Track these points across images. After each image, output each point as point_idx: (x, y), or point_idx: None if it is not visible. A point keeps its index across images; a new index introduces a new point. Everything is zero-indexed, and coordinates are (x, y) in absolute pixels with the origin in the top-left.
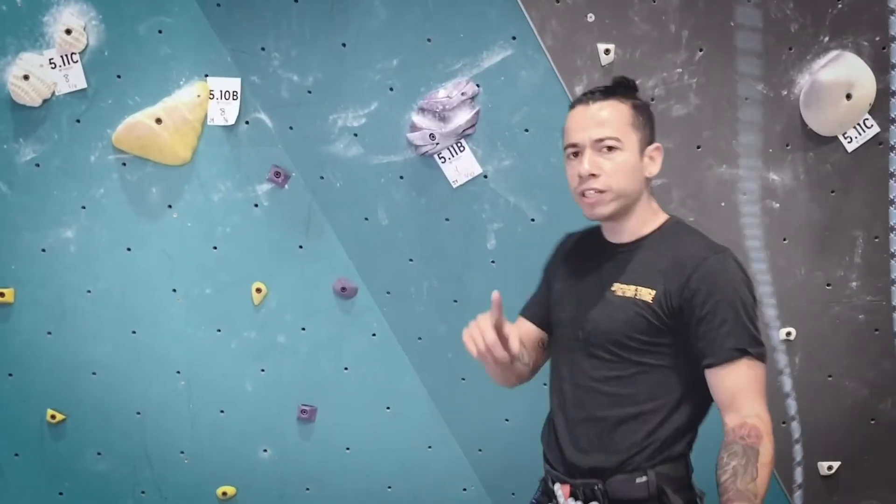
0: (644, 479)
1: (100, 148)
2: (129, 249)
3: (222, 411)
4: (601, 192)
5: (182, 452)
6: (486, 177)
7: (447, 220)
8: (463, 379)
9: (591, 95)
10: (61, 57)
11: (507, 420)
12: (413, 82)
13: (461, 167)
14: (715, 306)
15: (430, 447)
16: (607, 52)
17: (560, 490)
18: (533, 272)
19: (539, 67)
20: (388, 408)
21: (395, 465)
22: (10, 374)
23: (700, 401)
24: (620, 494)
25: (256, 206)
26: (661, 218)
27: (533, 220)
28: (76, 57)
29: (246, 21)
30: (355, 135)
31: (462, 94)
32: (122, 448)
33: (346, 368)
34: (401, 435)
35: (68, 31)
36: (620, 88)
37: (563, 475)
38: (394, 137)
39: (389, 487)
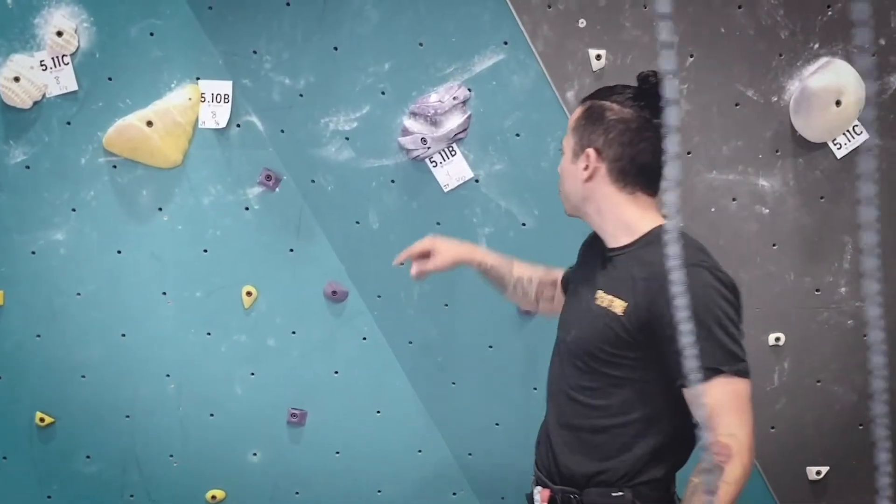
0: (620, 494)
1: (90, 150)
2: (119, 252)
3: (212, 414)
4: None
5: (171, 456)
6: (477, 181)
7: (438, 224)
8: (453, 383)
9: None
10: (52, 59)
11: (497, 424)
12: (405, 86)
13: (452, 171)
14: (673, 330)
15: (420, 451)
16: (599, 57)
17: (538, 494)
18: None
19: (530, 72)
20: (378, 411)
21: (385, 468)
22: None
23: (683, 420)
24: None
25: (247, 209)
26: (648, 226)
27: (524, 224)
28: (67, 59)
29: (237, 24)
30: (347, 138)
31: (454, 98)
32: (112, 451)
33: (336, 372)
34: (391, 439)
35: (59, 34)
36: (594, 94)
37: (546, 479)
38: (385, 141)
39: (379, 491)
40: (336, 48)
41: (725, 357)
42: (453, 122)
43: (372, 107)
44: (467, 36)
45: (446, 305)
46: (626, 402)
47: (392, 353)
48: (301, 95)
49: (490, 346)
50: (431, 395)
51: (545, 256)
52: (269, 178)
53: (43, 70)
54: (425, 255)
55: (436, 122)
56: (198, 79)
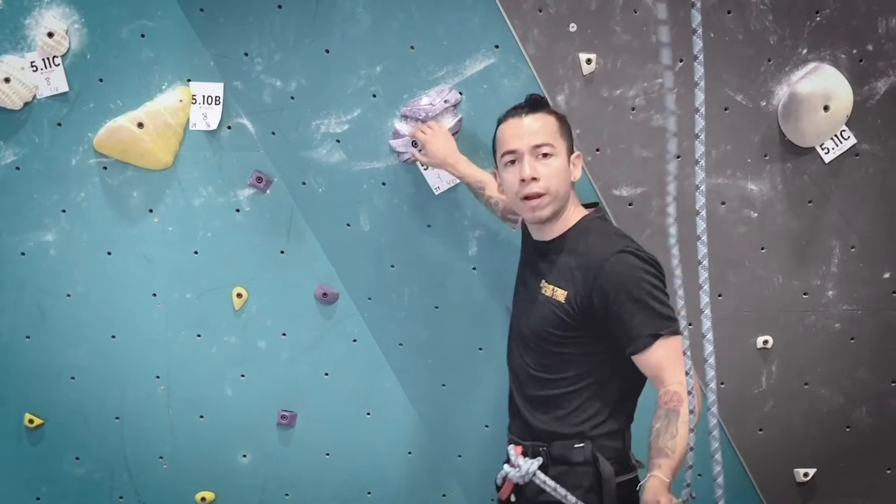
0: (581, 445)
1: (81, 152)
2: (109, 253)
3: (202, 416)
4: (541, 195)
5: (161, 457)
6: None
7: (429, 226)
8: (443, 385)
9: (520, 109)
10: (43, 60)
11: (486, 426)
12: (396, 89)
13: (443, 174)
14: (622, 303)
15: (409, 453)
16: (589, 61)
17: (512, 450)
18: (513, 279)
19: (521, 76)
20: (368, 413)
21: (375, 470)
22: None
23: (627, 379)
24: (560, 456)
25: (238, 211)
26: (579, 215)
27: (514, 227)
28: (58, 60)
29: (229, 26)
30: (338, 141)
31: (445, 101)
32: (101, 453)
33: (326, 374)
34: (381, 440)
35: (50, 34)
36: (542, 104)
37: (518, 438)
38: (376, 144)
39: (369, 493)
40: (327, 51)
41: (662, 322)
42: (444, 124)
43: (363, 109)
44: (458, 40)
45: (436, 308)
46: (577, 372)
47: (382, 355)
48: (292, 98)
49: (480, 349)
50: (421, 396)
51: None
52: (259, 180)
53: (34, 71)
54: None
55: (427, 124)
56: (189, 80)
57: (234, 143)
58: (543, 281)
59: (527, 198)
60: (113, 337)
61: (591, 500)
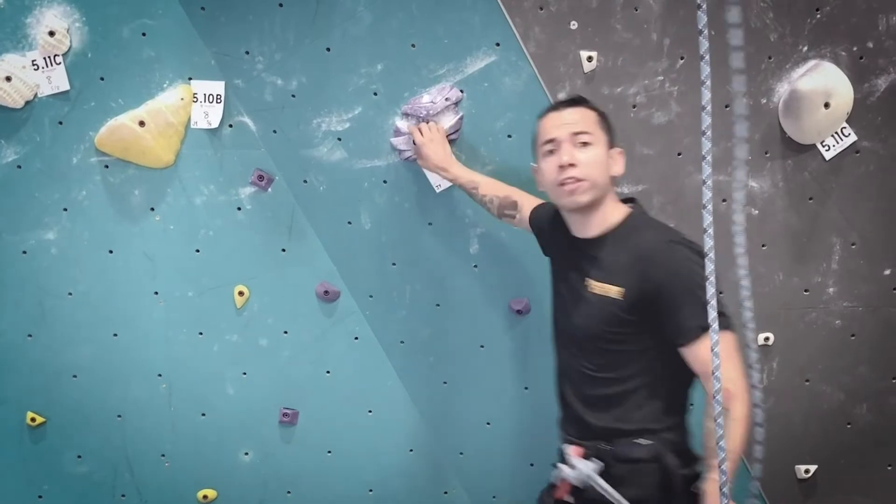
0: (649, 443)
1: (82, 150)
2: (110, 252)
3: (203, 414)
4: (580, 180)
5: (163, 455)
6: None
7: (430, 224)
8: (445, 383)
9: (561, 104)
10: (44, 59)
11: (488, 423)
12: (397, 87)
13: None
14: (675, 295)
15: (411, 450)
16: (590, 59)
17: (571, 451)
18: (515, 277)
19: (522, 74)
20: (369, 411)
21: (377, 468)
22: None
23: (683, 372)
24: (624, 455)
25: (239, 209)
26: (623, 212)
27: (511, 222)
28: (59, 59)
29: (230, 25)
30: (339, 139)
31: (446, 99)
32: (103, 451)
33: (328, 372)
34: (382, 438)
35: (51, 33)
36: (582, 100)
37: (575, 438)
38: (377, 142)
39: (371, 491)
40: (328, 49)
41: (717, 314)
42: (445, 122)
43: (364, 107)
44: (459, 38)
45: (438, 306)
46: (635, 369)
47: (384, 353)
48: (293, 96)
49: (482, 346)
50: (423, 394)
51: (535, 256)
52: (261, 178)
53: (35, 70)
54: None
55: (428, 122)
56: (190, 79)
57: (236, 141)
58: (589, 279)
59: (563, 183)
60: (115, 335)
61: (658, 498)
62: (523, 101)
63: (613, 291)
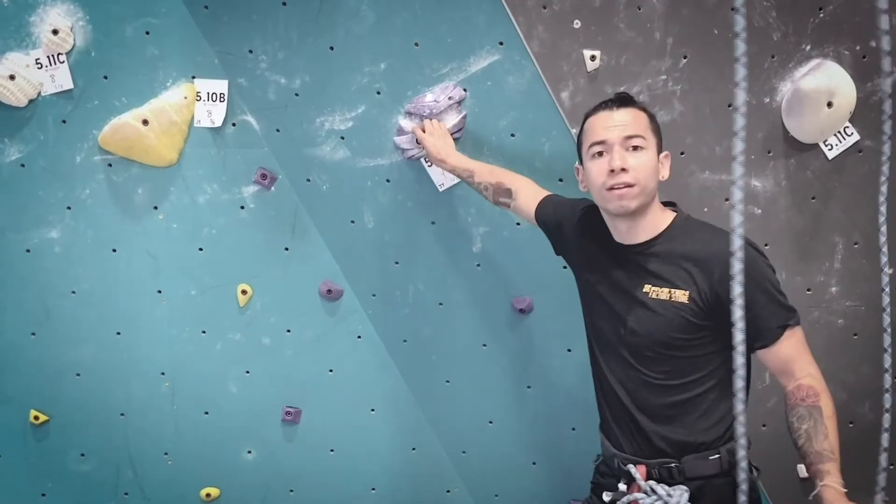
0: (716, 456)
1: (85, 149)
2: (114, 251)
3: (206, 413)
4: (630, 185)
5: (166, 454)
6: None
7: (433, 223)
8: (447, 381)
9: (612, 103)
10: (48, 57)
11: (490, 422)
12: (400, 86)
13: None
14: (750, 296)
15: (414, 449)
16: (593, 58)
17: (636, 471)
18: (518, 276)
19: (526, 73)
20: (372, 410)
21: (379, 466)
22: None
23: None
24: (694, 472)
25: (242, 207)
26: (669, 216)
27: (518, 224)
28: (63, 57)
29: (233, 23)
30: (342, 138)
31: (449, 98)
32: (105, 449)
33: (330, 370)
34: (385, 437)
35: (55, 32)
36: (632, 100)
37: (637, 457)
38: (381, 141)
39: (373, 489)
40: (332, 48)
41: (787, 313)
42: (449, 121)
43: (367, 106)
44: (463, 36)
45: (440, 305)
46: (699, 375)
47: (386, 352)
48: (297, 95)
49: (484, 345)
50: (425, 393)
51: (538, 255)
52: (264, 177)
53: (38, 68)
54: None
55: (431, 121)
56: (193, 77)
57: (239, 140)
58: (647, 285)
59: (613, 188)
60: (118, 334)
61: None
62: (527, 99)
63: (679, 295)
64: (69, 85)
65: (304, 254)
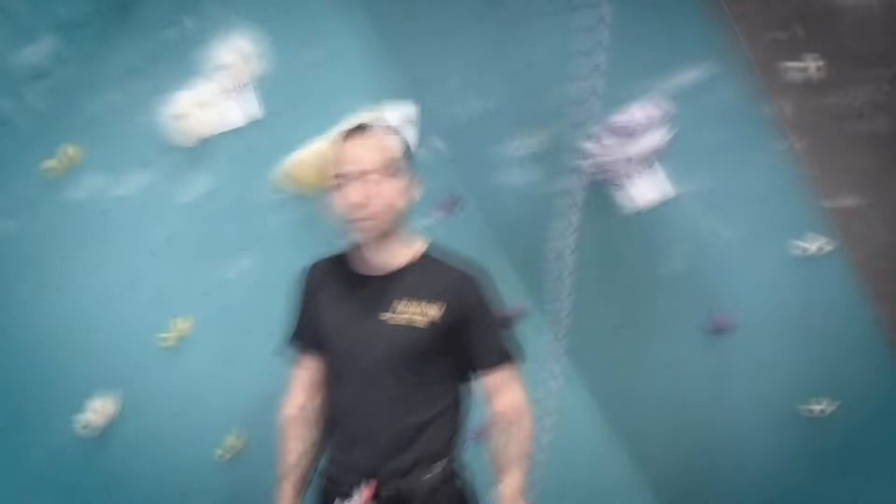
0: (439, 469)
1: (270, 179)
2: None
3: None
4: (369, 219)
5: None
6: (672, 199)
7: (625, 243)
8: (638, 399)
9: (354, 131)
10: (231, 85)
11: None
12: (598, 105)
13: (646, 189)
14: (484, 324)
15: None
16: (819, 68)
17: (359, 493)
18: (718, 295)
19: (742, 85)
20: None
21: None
22: None
23: (465, 400)
24: (422, 486)
25: (428, 231)
26: (421, 244)
27: (723, 242)
28: (246, 86)
29: (422, 44)
30: (531, 160)
31: (654, 114)
32: None
33: None
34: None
35: (236, 59)
36: (378, 128)
37: (366, 476)
38: (572, 161)
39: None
40: (527, 67)
41: (508, 352)
42: (652, 138)
43: (559, 127)
44: (672, 48)
45: (622, 327)
46: (437, 394)
47: (573, 369)
48: (487, 116)
49: (671, 366)
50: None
51: (744, 274)
52: (451, 200)
53: (222, 97)
54: None
55: (633, 138)
56: (379, 103)
57: (427, 163)
58: (398, 305)
59: (353, 220)
60: None
61: None
62: (740, 114)
63: (429, 314)
64: (256, 113)
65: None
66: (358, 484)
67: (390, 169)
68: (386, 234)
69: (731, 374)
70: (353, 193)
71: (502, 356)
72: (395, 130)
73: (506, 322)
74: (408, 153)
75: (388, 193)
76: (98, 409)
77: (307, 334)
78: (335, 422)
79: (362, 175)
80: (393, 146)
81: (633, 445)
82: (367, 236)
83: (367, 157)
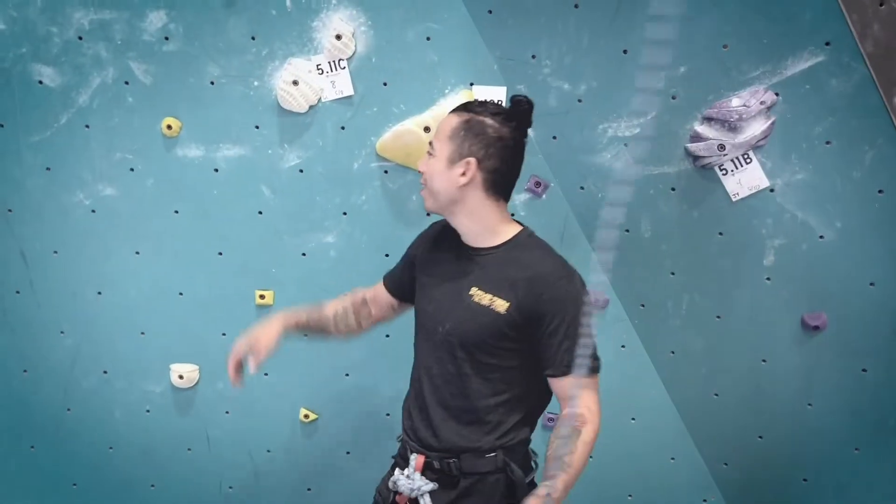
0: (493, 455)
1: (363, 155)
2: (386, 255)
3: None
4: (425, 189)
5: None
6: (772, 190)
7: (720, 234)
8: (716, 395)
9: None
10: (329, 63)
11: (760, 437)
12: (700, 90)
13: (745, 180)
14: (559, 326)
15: (672, 459)
16: None
17: (414, 460)
18: (813, 292)
19: (854, 75)
20: (632, 419)
21: (637, 473)
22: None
23: (539, 395)
24: (471, 468)
25: (513, 215)
26: (513, 230)
27: (822, 237)
28: (343, 63)
29: (517, 27)
30: (625, 144)
31: (761, 102)
32: None
33: None
34: (644, 445)
35: (338, 37)
36: (471, 105)
37: (420, 447)
38: (669, 147)
39: (630, 496)
40: (625, 51)
41: (590, 357)
42: (756, 128)
43: (659, 112)
44: (782, 37)
45: (718, 318)
46: (500, 384)
47: (650, 362)
48: (580, 101)
49: (763, 360)
50: (689, 405)
51: (837, 271)
52: (537, 184)
53: (320, 74)
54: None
55: (736, 127)
56: (472, 84)
57: None
58: (474, 288)
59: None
60: (387, 336)
61: None
62: (851, 104)
63: (498, 304)
64: (349, 91)
65: (572, 262)
66: (415, 451)
67: (447, 146)
68: (450, 211)
69: (823, 374)
70: (420, 163)
71: (574, 366)
72: (488, 110)
73: (587, 328)
74: (478, 134)
75: (437, 169)
76: (187, 370)
77: (394, 279)
78: (412, 381)
79: (429, 147)
80: (455, 125)
81: (707, 447)
82: (427, 207)
83: (436, 132)
